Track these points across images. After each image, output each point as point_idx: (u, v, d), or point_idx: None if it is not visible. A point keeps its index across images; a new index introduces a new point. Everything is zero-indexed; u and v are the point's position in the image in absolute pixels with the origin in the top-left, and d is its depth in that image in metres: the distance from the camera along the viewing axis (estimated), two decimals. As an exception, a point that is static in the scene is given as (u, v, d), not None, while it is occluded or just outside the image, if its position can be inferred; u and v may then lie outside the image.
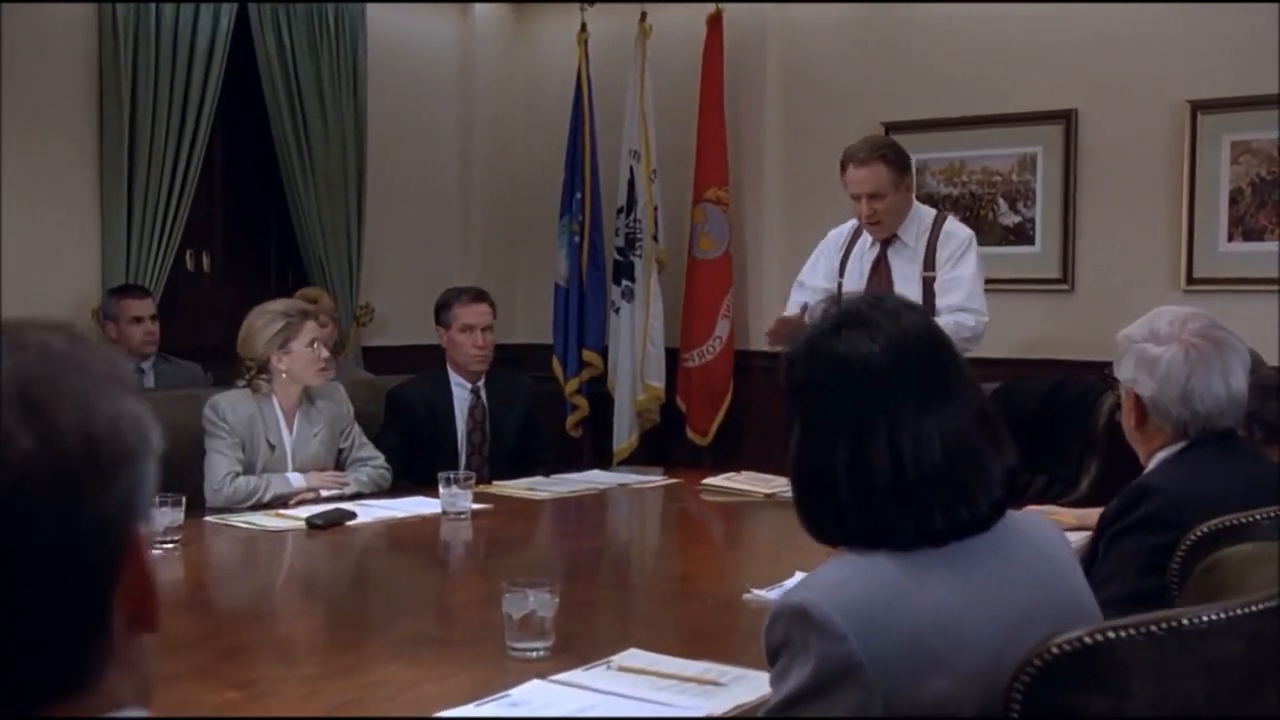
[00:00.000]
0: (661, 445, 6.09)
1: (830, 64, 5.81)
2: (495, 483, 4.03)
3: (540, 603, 2.11)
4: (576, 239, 6.12)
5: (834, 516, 1.58)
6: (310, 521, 3.21)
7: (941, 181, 5.56)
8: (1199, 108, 4.96)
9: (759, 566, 2.79)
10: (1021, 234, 5.40)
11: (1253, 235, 4.92)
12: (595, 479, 4.13)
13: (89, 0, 5.09)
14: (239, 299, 5.56)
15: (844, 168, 4.11)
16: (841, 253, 4.25)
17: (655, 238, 5.96)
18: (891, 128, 5.59)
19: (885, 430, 1.54)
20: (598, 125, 6.11)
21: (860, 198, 4.04)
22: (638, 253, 5.95)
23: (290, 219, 5.80)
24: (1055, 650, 1.31)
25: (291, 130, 5.69)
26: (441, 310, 4.31)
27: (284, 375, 3.64)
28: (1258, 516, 2.06)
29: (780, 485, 3.98)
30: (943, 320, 3.96)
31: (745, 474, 4.15)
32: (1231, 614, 1.36)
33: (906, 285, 4.08)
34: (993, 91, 5.40)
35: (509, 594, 2.12)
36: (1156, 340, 2.36)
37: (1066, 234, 5.29)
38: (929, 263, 4.09)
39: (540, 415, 4.57)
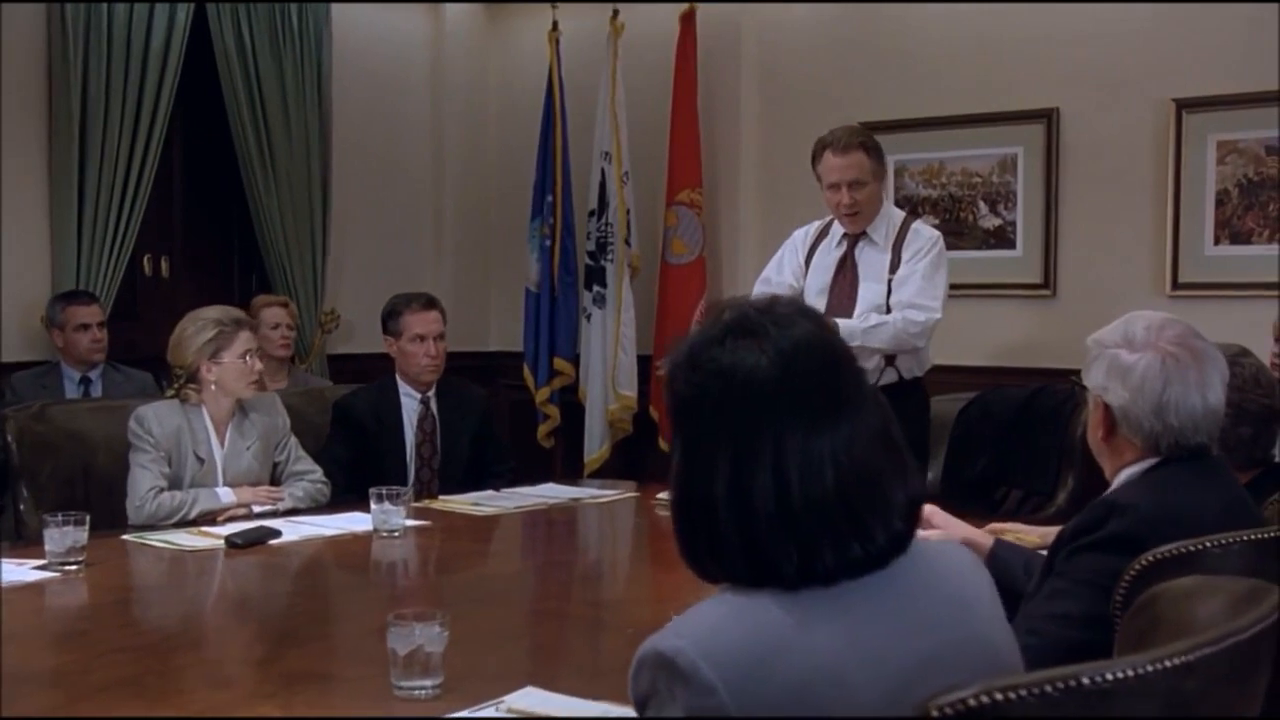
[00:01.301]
0: (635, 456, 5.92)
1: (806, 62, 5.63)
2: (442, 497, 3.86)
3: (428, 637, 1.94)
4: (548, 243, 5.96)
5: (713, 549, 1.41)
6: (229, 541, 3.04)
7: (920, 183, 5.38)
8: (1184, 106, 4.78)
9: (694, 591, 2.61)
10: (1002, 237, 5.22)
11: (1240, 238, 4.74)
12: (547, 493, 3.96)
13: (38, 0, 4.94)
14: (199, 304, 5.40)
15: (818, 156, 3.94)
16: (806, 251, 4.07)
17: (628, 242, 5.79)
18: (869, 127, 5.38)
19: (769, 452, 1.36)
20: (570, 126, 5.95)
21: (840, 186, 3.87)
22: (609, 257, 5.78)
23: (252, 223, 5.64)
24: (935, 713, 1.13)
25: (252, 131, 5.54)
26: (389, 319, 4.14)
27: (213, 386, 3.48)
28: (1207, 544, 1.88)
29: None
30: (892, 317, 3.82)
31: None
32: (1141, 670, 1.18)
33: (872, 286, 3.91)
34: (972, 90, 5.23)
35: (394, 628, 1.95)
36: (1131, 347, 2.18)
37: (1048, 237, 5.11)
38: (895, 265, 3.91)
39: (496, 426, 4.40)
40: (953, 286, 5.04)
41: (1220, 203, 4.76)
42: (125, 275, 5.27)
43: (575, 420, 5.94)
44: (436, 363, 4.10)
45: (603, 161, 5.79)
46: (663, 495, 3.88)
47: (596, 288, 5.79)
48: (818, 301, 3.98)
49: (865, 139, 3.92)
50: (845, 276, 3.96)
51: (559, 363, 5.96)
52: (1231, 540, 1.89)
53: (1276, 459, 2.95)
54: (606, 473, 5.77)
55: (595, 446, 5.82)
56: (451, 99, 6.42)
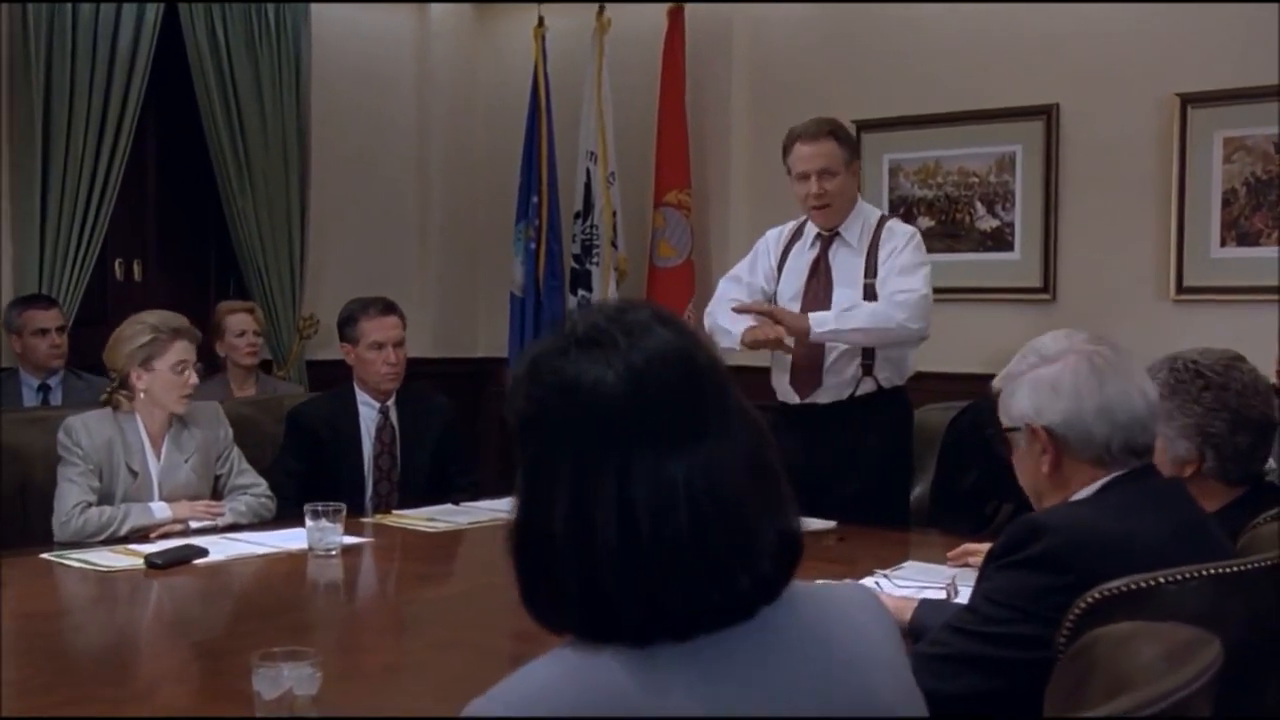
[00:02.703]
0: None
1: (798, 59, 5.43)
2: (396, 512, 3.68)
3: (298, 679, 1.76)
4: (533, 246, 5.78)
5: (552, 593, 1.22)
6: (149, 560, 2.87)
7: (915, 183, 5.17)
8: (1189, 101, 4.55)
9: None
10: (1000, 239, 5.00)
11: (1247, 240, 4.50)
12: (506, 508, 3.76)
13: (-1, -1, 4.81)
14: (175, 310, 5.25)
15: (789, 148, 3.76)
16: (779, 253, 3.87)
17: (614, 244, 5.60)
18: (863, 126, 5.22)
19: (614, 479, 1.17)
20: (556, 125, 5.77)
21: (809, 175, 3.68)
22: (595, 260, 5.59)
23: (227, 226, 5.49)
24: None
25: (226, 132, 5.38)
26: (346, 325, 3.96)
27: (143, 395, 3.31)
28: (1162, 580, 1.67)
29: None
30: (880, 308, 3.59)
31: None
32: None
33: (847, 289, 3.70)
34: (969, 86, 5.01)
35: (260, 669, 1.77)
36: (1047, 361, 2.00)
37: (1047, 239, 4.89)
38: (870, 267, 3.70)
39: (461, 437, 4.21)
40: (948, 290, 4.86)
41: (1227, 202, 4.53)
42: (96, 279, 5.13)
43: (562, 429, 5.74)
44: (396, 370, 3.92)
45: (588, 161, 5.61)
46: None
47: (582, 292, 5.61)
48: (791, 306, 3.78)
49: (836, 128, 3.72)
50: (819, 280, 3.75)
51: (544, 369, 5.76)
52: (1189, 575, 1.69)
53: (1269, 476, 2.74)
54: (592, 483, 5.59)
55: (580, 456, 5.62)
56: (437, 98, 6.25)
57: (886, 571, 2.88)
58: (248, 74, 5.43)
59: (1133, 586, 1.66)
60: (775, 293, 3.84)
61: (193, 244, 5.71)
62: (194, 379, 3.34)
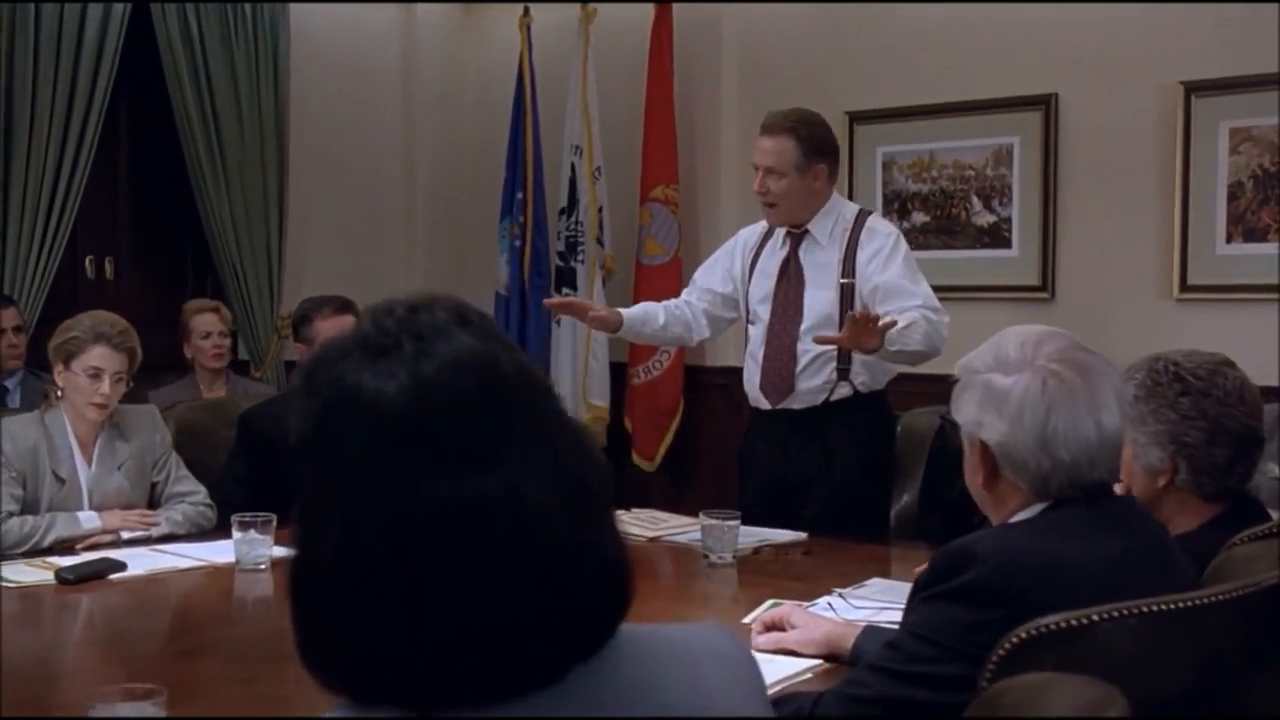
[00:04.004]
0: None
1: (789, 48, 5.23)
2: (346, 521, 3.51)
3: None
4: (518, 243, 5.60)
5: (323, 640, 1.04)
6: (60, 575, 2.71)
7: (910, 177, 4.96)
8: (1193, 90, 4.33)
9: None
10: (996, 236, 4.78)
11: (1254, 235, 4.28)
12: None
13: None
14: (149, 309, 5.14)
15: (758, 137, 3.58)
16: (751, 254, 3.67)
17: (600, 241, 5.42)
18: (856, 117, 5.03)
19: (391, 505, 0.99)
20: (541, 119, 5.58)
21: (758, 170, 3.48)
22: (580, 258, 5.41)
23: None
24: None
25: (200, 128, 5.23)
26: (300, 324, 3.79)
27: (61, 394, 3.16)
28: (1096, 617, 1.48)
29: (671, 527, 3.44)
30: (913, 315, 3.33)
31: (641, 512, 3.60)
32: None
33: (818, 293, 3.50)
34: (964, 76, 4.80)
35: (98, 705, 1.60)
36: (1005, 369, 1.79)
37: (1046, 235, 4.67)
38: (848, 267, 3.49)
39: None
40: (942, 289, 4.62)
41: (1233, 196, 4.30)
42: (66, 277, 5.01)
43: (548, 432, 5.56)
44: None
45: (573, 156, 5.43)
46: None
47: (566, 290, 5.42)
48: (760, 309, 3.58)
49: (799, 124, 3.47)
50: (788, 281, 3.54)
51: (529, 371, 5.59)
52: (1128, 612, 1.49)
53: (1271, 477, 2.53)
54: (577, 488, 5.41)
55: (565, 460, 5.44)
56: (423, 91, 6.07)
57: (845, 590, 2.69)
58: (222, 68, 5.28)
59: (1063, 625, 1.47)
60: (746, 294, 3.65)
61: (167, 241, 5.56)
62: (106, 389, 3.14)
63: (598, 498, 1.07)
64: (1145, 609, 1.49)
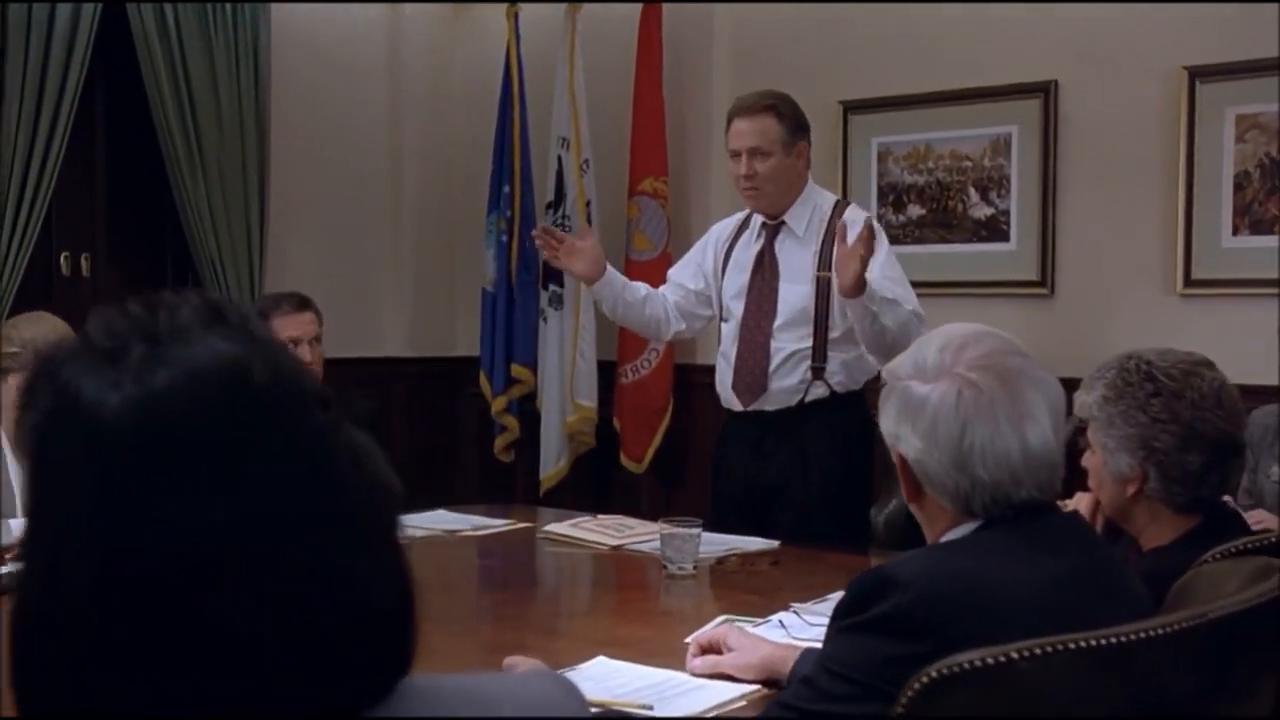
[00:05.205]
0: (597, 473, 5.40)
1: (781, 36, 5.05)
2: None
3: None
4: (505, 238, 5.45)
5: (26, 683, 0.88)
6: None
7: (905, 168, 4.78)
8: (1197, 75, 4.13)
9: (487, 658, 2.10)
10: (994, 229, 4.59)
11: (1261, 228, 4.08)
12: (428, 523, 3.44)
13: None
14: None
15: (729, 123, 3.42)
16: (725, 248, 3.51)
17: (588, 236, 5.25)
18: (850, 107, 4.86)
19: (100, 532, 0.83)
20: (529, 111, 5.43)
21: (740, 154, 3.32)
22: (567, 254, 5.24)
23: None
24: None
25: (178, 124, 5.09)
26: (257, 322, 3.65)
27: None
28: (1015, 655, 1.30)
29: (636, 535, 3.28)
30: (910, 325, 3.17)
31: (607, 518, 3.44)
32: None
33: (793, 287, 3.33)
34: (961, 63, 4.61)
35: None
36: (923, 376, 1.63)
37: (1045, 228, 4.48)
38: (825, 259, 3.32)
39: (385, 443, 3.88)
40: (939, 284, 4.49)
41: (1239, 186, 4.10)
42: (40, 274, 4.89)
43: (536, 432, 5.42)
44: (312, 369, 3.62)
45: (560, 149, 5.27)
46: (550, 528, 3.37)
47: (553, 287, 5.27)
48: (734, 305, 3.42)
49: (779, 102, 3.34)
50: (763, 275, 3.38)
51: (517, 369, 5.44)
52: (1054, 649, 1.32)
53: (1231, 504, 2.35)
54: (565, 491, 5.27)
55: (552, 462, 5.29)
56: (411, 85, 5.93)
57: (804, 605, 2.52)
58: (201, 63, 5.14)
59: (977, 664, 1.30)
60: (720, 289, 3.49)
61: (145, 238, 5.44)
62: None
63: (372, 528, 0.91)
64: (1074, 645, 1.32)
